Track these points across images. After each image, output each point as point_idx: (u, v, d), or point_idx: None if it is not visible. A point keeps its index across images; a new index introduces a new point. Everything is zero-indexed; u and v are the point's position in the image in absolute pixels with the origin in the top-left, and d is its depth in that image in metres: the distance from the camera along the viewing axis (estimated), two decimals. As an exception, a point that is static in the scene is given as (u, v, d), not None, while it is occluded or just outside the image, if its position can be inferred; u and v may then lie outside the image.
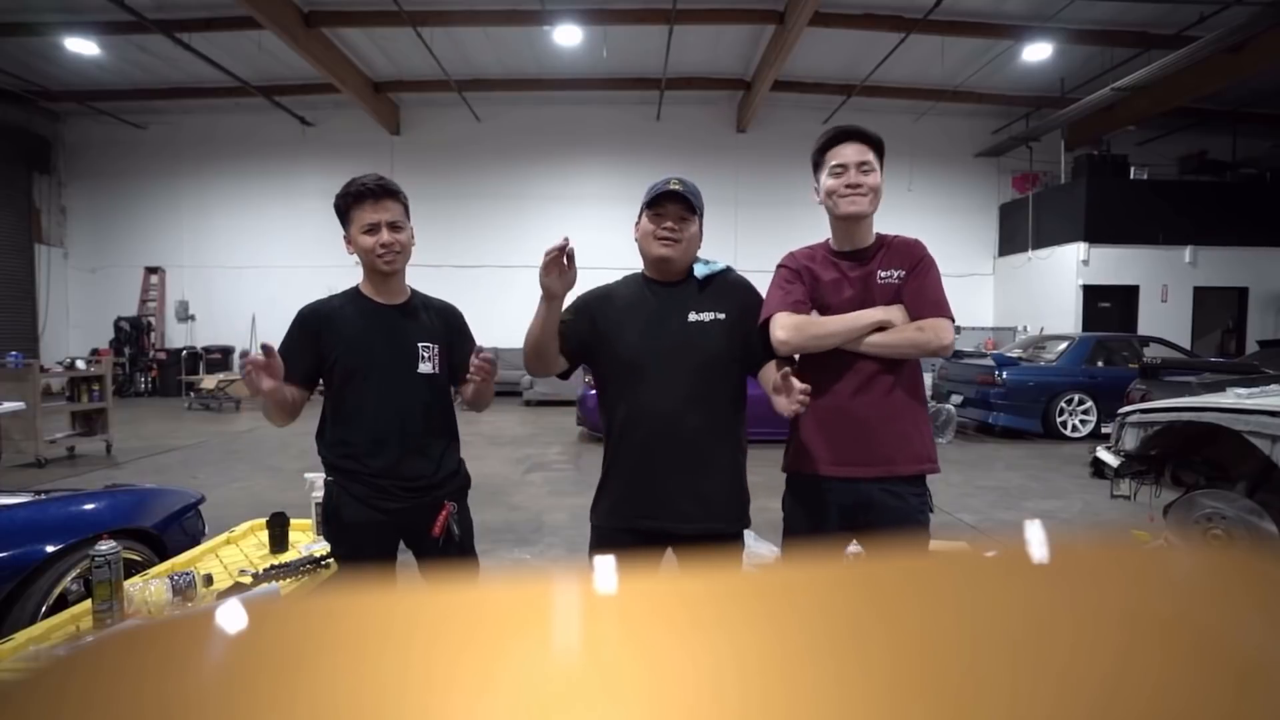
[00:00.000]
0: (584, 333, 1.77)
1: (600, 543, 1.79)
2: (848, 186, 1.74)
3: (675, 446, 1.69)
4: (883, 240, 1.84)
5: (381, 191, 1.76)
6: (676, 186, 1.69)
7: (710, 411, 1.72)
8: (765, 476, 2.16)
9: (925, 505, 1.79)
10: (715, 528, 1.73)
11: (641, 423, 1.71)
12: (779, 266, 1.88)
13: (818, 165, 1.81)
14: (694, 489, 1.70)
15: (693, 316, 1.73)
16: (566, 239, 1.58)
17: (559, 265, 1.57)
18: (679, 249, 1.72)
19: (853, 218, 1.76)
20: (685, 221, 1.71)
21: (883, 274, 1.77)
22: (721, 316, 1.74)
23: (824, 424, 1.76)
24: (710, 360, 1.71)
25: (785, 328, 1.72)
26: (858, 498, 1.75)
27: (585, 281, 1.69)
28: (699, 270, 1.79)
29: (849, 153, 1.75)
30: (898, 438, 1.75)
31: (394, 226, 1.77)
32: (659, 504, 1.70)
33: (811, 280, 1.82)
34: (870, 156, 1.75)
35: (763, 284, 1.87)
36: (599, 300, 1.82)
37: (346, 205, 1.77)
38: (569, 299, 1.74)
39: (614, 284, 1.86)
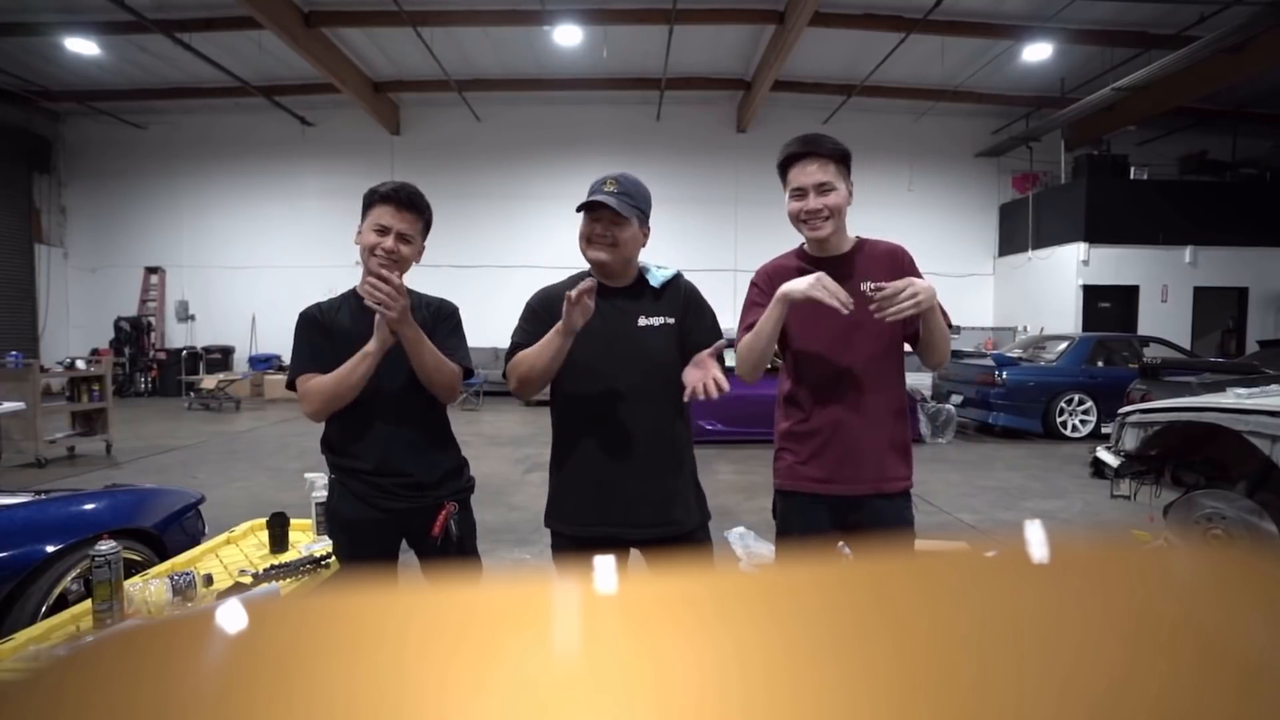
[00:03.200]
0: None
1: (562, 548, 1.79)
2: (806, 213, 1.68)
3: (628, 449, 1.70)
4: (862, 245, 1.78)
5: (408, 202, 1.77)
6: (607, 191, 1.65)
7: (659, 413, 1.73)
8: (764, 477, 2.17)
9: (909, 507, 1.82)
10: (676, 529, 1.74)
11: (594, 425, 1.72)
12: (751, 284, 1.84)
13: (782, 180, 1.73)
14: (650, 491, 1.71)
15: (643, 321, 1.73)
16: (595, 281, 1.57)
17: (585, 305, 1.55)
18: (613, 252, 1.69)
19: (815, 242, 1.73)
20: (618, 225, 1.67)
21: (870, 286, 1.71)
22: (671, 321, 1.75)
23: (821, 443, 1.76)
24: (659, 363, 1.72)
25: (737, 360, 1.76)
26: (850, 504, 1.76)
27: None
28: (653, 278, 1.78)
29: (808, 173, 1.66)
30: (890, 457, 1.76)
31: (403, 237, 1.77)
32: (617, 509, 1.70)
33: None
34: (830, 174, 1.66)
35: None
36: (552, 302, 1.75)
37: (372, 200, 1.79)
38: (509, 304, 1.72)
39: (560, 284, 1.81)
